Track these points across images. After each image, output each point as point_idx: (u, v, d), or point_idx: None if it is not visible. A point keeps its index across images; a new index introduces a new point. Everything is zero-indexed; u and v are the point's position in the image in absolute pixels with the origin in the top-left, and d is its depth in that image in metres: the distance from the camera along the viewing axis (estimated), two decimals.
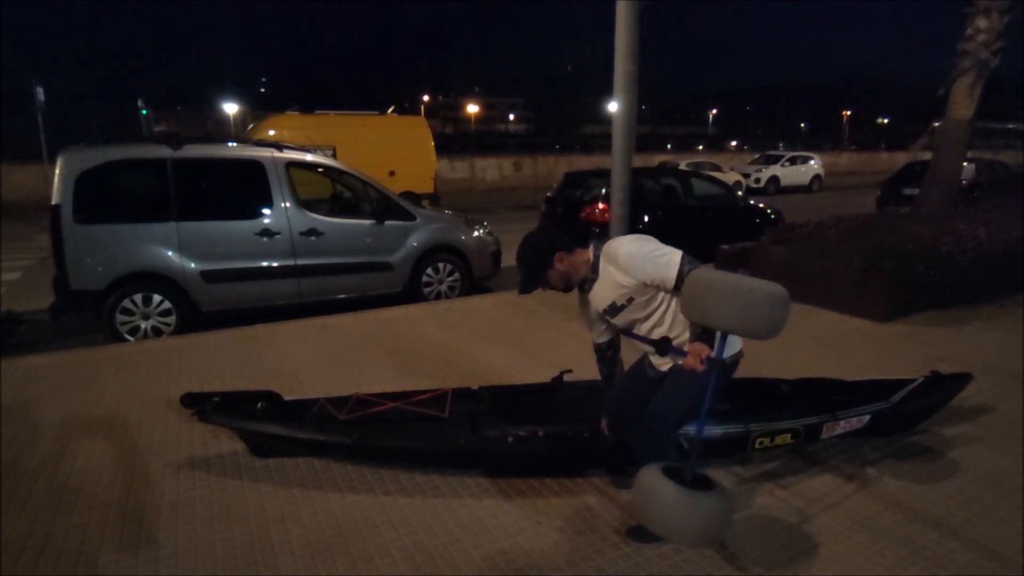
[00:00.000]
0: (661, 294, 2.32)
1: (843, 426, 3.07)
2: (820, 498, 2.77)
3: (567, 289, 2.49)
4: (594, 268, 2.40)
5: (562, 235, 2.48)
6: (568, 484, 2.89)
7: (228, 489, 2.85)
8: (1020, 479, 2.93)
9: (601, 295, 2.39)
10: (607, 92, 5.25)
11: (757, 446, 2.95)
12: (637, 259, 2.25)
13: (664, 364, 2.45)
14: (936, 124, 8.75)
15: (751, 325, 1.99)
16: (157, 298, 5.30)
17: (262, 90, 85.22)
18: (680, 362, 2.22)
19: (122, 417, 3.62)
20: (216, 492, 2.83)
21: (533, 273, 2.42)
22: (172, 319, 5.37)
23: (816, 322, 5.45)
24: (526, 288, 2.49)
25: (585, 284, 2.44)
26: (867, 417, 3.10)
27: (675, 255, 2.23)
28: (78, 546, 2.46)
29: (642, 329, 2.41)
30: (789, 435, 2.99)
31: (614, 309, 2.38)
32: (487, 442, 2.85)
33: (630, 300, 2.33)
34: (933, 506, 2.72)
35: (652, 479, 2.06)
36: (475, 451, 2.90)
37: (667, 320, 2.36)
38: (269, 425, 2.96)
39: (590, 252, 2.42)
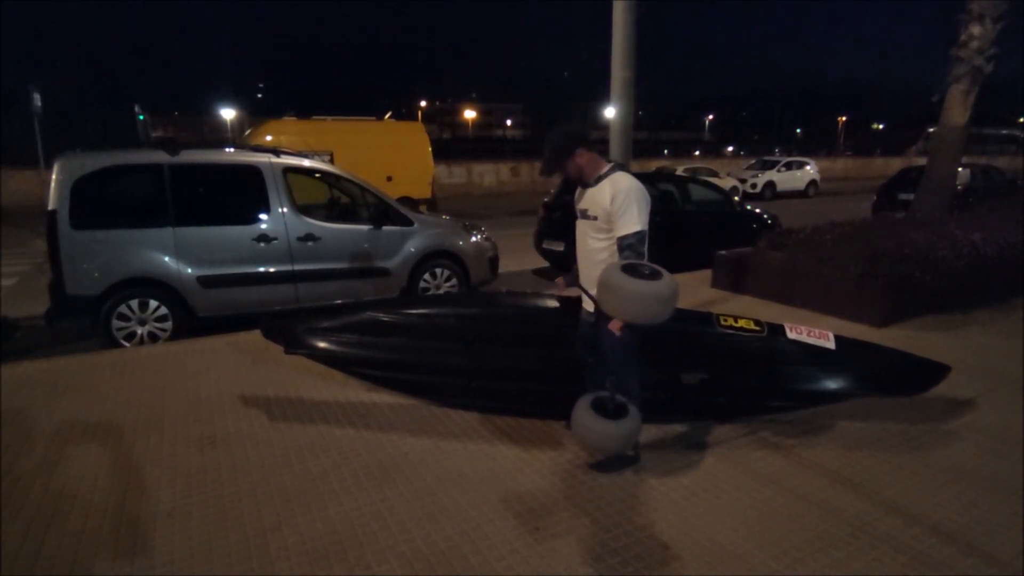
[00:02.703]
0: (612, 237, 2.79)
1: (806, 331, 3.43)
2: (819, 503, 2.77)
3: (577, 179, 2.95)
4: (598, 179, 2.86)
5: (589, 133, 2.99)
6: (567, 489, 2.89)
7: (224, 496, 2.84)
8: (1018, 483, 2.93)
9: (588, 198, 2.91)
10: (604, 97, 5.27)
11: (722, 322, 3.38)
12: (623, 198, 2.72)
13: (588, 305, 2.99)
14: (931, 130, 8.81)
15: (647, 318, 2.54)
16: (154, 304, 5.27)
17: (259, 95, 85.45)
18: (608, 325, 2.69)
19: (118, 423, 3.60)
20: (212, 499, 2.81)
21: (559, 155, 2.87)
22: (168, 325, 5.34)
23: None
24: (548, 170, 2.96)
25: (588, 185, 2.91)
26: (831, 333, 3.44)
27: (638, 225, 2.71)
28: (73, 554, 2.44)
29: (584, 246, 2.95)
30: (752, 321, 3.43)
31: (584, 214, 2.93)
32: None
33: (595, 218, 2.85)
34: (931, 511, 2.72)
35: (585, 416, 2.79)
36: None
37: (601, 257, 2.87)
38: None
39: (605, 168, 2.88)
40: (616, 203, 2.73)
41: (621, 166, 2.93)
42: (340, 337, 3.60)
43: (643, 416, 2.92)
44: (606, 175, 2.84)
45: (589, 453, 3.14)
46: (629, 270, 2.52)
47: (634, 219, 2.70)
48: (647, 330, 3.00)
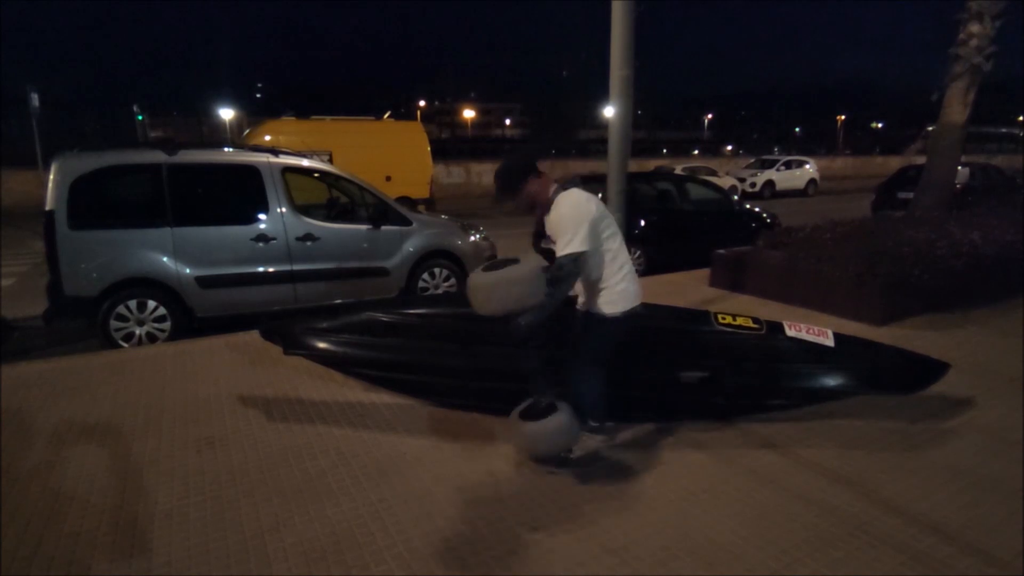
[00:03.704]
0: None
1: (806, 328, 3.44)
2: (817, 502, 2.77)
3: (531, 209, 2.94)
4: (549, 205, 2.85)
5: (535, 162, 2.91)
6: (565, 489, 2.89)
7: (222, 496, 2.83)
8: (1018, 483, 2.93)
9: (548, 221, 2.89)
10: (603, 97, 5.26)
11: (721, 321, 3.40)
12: (561, 222, 2.74)
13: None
14: (930, 128, 8.81)
15: (517, 302, 2.56)
16: (152, 304, 5.26)
17: (258, 95, 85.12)
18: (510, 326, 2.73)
19: (116, 424, 3.59)
20: (210, 499, 2.81)
21: (508, 187, 2.86)
22: (167, 325, 5.34)
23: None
24: (500, 199, 2.93)
25: (543, 212, 2.90)
26: (830, 331, 3.47)
27: (572, 247, 2.67)
28: (70, 554, 2.43)
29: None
30: (751, 319, 3.44)
31: (548, 239, 2.92)
32: None
33: (554, 242, 2.82)
34: (931, 511, 2.71)
35: (514, 424, 2.86)
36: None
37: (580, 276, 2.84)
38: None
39: (551, 192, 2.85)
40: (556, 226, 2.77)
41: (567, 185, 2.86)
42: (339, 337, 3.60)
43: (642, 416, 2.91)
44: (552, 198, 2.84)
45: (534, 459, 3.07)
46: (488, 268, 2.66)
47: (568, 241, 2.68)
48: (644, 331, 3.00)
